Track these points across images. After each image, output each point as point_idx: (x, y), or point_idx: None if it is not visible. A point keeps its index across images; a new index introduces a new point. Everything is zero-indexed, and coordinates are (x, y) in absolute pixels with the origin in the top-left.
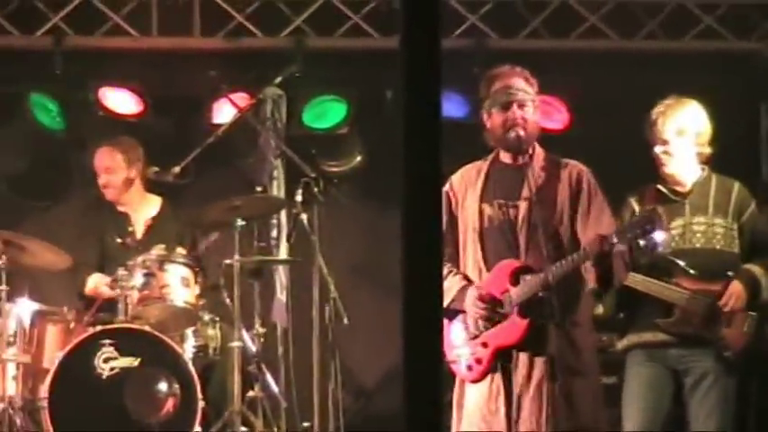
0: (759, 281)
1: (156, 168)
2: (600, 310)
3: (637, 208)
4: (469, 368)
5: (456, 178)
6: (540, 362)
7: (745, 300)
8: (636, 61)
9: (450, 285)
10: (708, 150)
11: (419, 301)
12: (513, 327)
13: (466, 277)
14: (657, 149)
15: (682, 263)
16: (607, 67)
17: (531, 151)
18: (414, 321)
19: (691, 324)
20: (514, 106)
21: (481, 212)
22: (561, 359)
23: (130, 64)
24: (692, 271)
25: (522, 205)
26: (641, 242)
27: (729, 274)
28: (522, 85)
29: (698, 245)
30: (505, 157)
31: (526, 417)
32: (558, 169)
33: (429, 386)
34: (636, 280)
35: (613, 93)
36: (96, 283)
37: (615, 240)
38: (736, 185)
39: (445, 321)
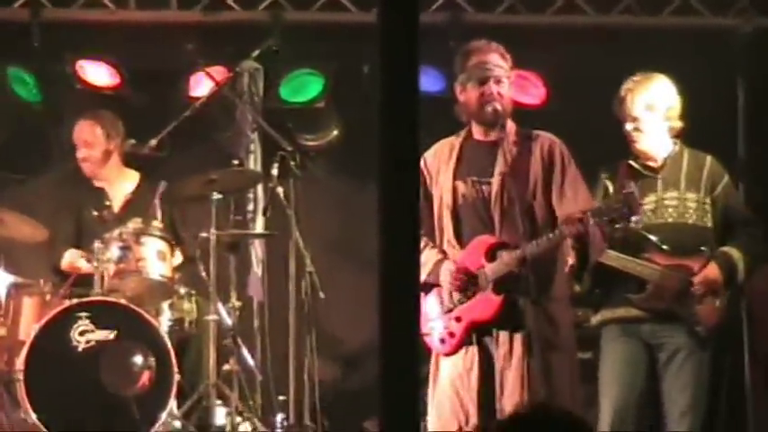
0: (736, 265)
1: (133, 141)
2: (576, 287)
3: (610, 185)
4: (442, 341)
5: (429, 155)
6: (519, 338)
7: (720, 283)
8: (613, 37)
9: (427, 259)
10: (679, 124)
11: (396, 276)
12: (488, 303)
13: (442, 251)
14: (628, 126)
15: (654, 238)
16: (584, 43)
17: (503, 127)
18: (390, 296)
19: (663, 300)
20: (491, 81)
21: (455, 190)
22: (540, 335)
23: (108, 37)
24: (664, 246)
25: (496, 182)
26: (617, 225)
27: (702, 249)
28: (499, 61)
29: (670, 220)
30: (478, 133)
31: (510, 392)
32: (530, 142)
33: (405, 360)
34: (610, 256)
35: (590, 68)
36: (73, 257)
37: (592, 222)
38: (709, 159)
39: (422, 294)
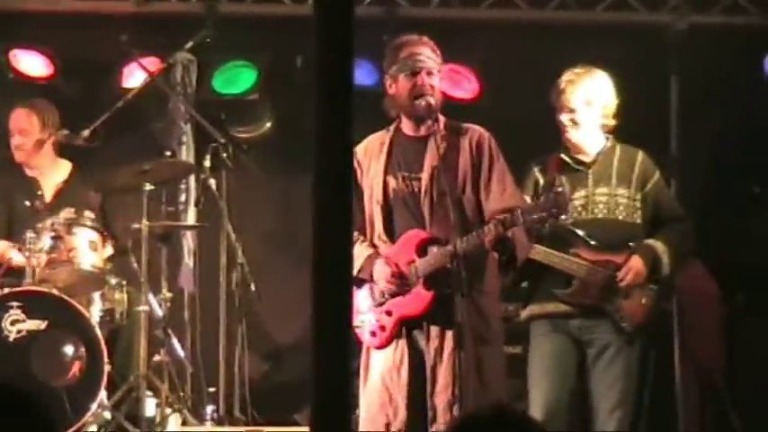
0: (660, 257)
1: (66, 131)
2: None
3: (540, 178)
4: (373, 334)
5: (360, 149)
6: (450, 333)
7: (644, 275)
8: (547, 32)
9: (358, 254)
10: (613, 122)
11: (329, 270)
12: (418, 298)
13: (373, 245)
14: (563, 117)
15: (583, 234)
16: (518, 37)
17: (434, 121)
18: (324, 289)
19: (589, 295)
20: (423, 73)
21: (385, 185)
22: (471, 329)
23: (42, 26)
24: (592, 242)
25: (425, 176)
26: (546, 224)
27: (631, 245)
28: (430, 54)
29: (600, 215)
30: (407, 128)
31: (442, 388)
32: (459, 136)
33: (337, 352)
34: (537, 251)
35: (524, 63)
36: (4, 248)
37: (521, 220)
38: (640, 155)
39: (354, 288)
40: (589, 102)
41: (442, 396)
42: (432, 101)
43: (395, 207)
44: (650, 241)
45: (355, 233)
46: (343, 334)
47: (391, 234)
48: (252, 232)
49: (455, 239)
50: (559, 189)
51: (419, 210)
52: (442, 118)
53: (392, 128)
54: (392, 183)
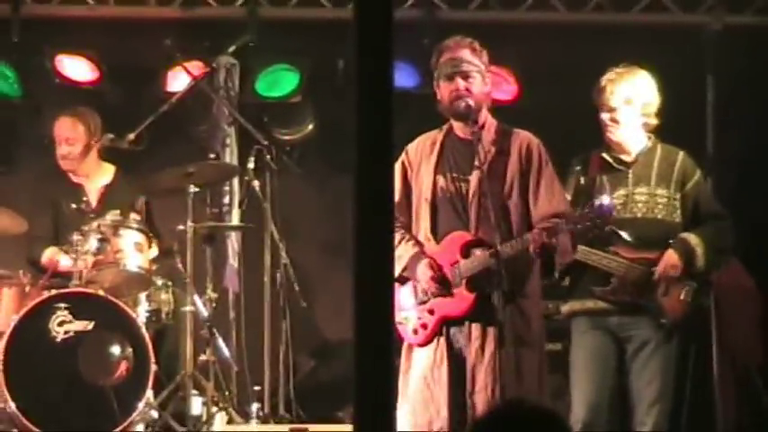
0: (694, 249)
1: (111, 135)
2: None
3: (581, 177)
4: (415, 332)
5: (412, 148)
6: (491, 333)
7: (680, 268)
8: (584, 33)
9: (403, 253)
10: (654, 121)
11: (371, 268)
12: (461, 299)
13: (418, 243)
14: (604, 116)
15: (622, 232)
16: (556, 39)
17: (481, 121)
18: (365, 287)
19: (627, 292)
20: (458, 77)
21: (435, 183)
22: (511, 329)
23: (87, 32)
24: (630, 240)
25: (473, 178)
26: (590, 233)
27: (670, 242)
28: (469, 57)
29: (639, 214)
30: (458, 129)
31: (481, 387)
32: (509, 140)
33: (380, 351)
34: (577, 250)
35: (562, 64)
36: (53, 253)
37: (564, 228)
38: (681, 155)
39: (397, 286)
40: (629, 100)
41: (481, 395)
42: (470, 102)
43: (442, 206)
44: (684, 234)
45: (401, 231)
46: (384, 332)
47: (436, 232)
48: (295, 233)
49: (499, 242)
50: (603, 201)
51: (465, 211)
52: (493, 122)
53: (444, 128)
54: (441, 182)
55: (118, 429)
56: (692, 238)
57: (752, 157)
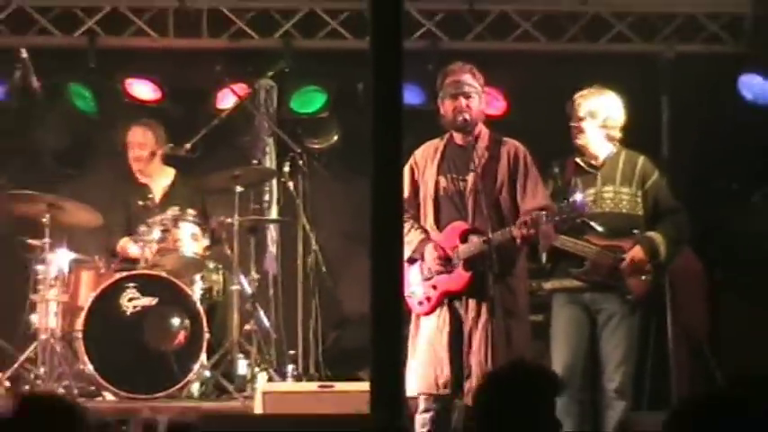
0: (658, 247)
1: (172, 144)
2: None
3: (558, 176)
4: (421, 303)
5: (418, 153)
6: (484, 306)
7: (645, 262)
8: (561, 60)
9: (413, 238)
10: (617, 135)
11: (384, 253)
12: (459, 276)
13: (425, 231)
14: (572, 124)
15: (593, 223)
16: (538, 65)
17: (476, 132)
18: (380, 269)
19: (598, 273)
20: (461, 97)
21: (437, 183)
22: (501, 303)
23: (151, 60)
24: (600, 230)
25: (470, 178)
26: (566, 224)
27: (635, 231)
28: (470, 80)
29: (607, 209)
30: (457, 138)
31: (476, 350)
32: (499, 147)
33: (391, 321)
34: (557, 238)
35: (543, 85)
36: (124, 242)
37: (545, 220)
38: (641, 159)
39: (405, 264)
40: (593, 113)
41: (476, 356)
42: (468, 117)
43: (443, 201)
44: (650, 234)
45: (411, 222)
46: (395, 305)
47: (439, 223)
48: (323, 225)
49: (491, 231)
50: (578, 198)
51: (463, 205)
52: (486, 132)
53: (445, 137)
54: (443, 182)
55: (177, 387)
56: (657, 237)
57: (699, 160)
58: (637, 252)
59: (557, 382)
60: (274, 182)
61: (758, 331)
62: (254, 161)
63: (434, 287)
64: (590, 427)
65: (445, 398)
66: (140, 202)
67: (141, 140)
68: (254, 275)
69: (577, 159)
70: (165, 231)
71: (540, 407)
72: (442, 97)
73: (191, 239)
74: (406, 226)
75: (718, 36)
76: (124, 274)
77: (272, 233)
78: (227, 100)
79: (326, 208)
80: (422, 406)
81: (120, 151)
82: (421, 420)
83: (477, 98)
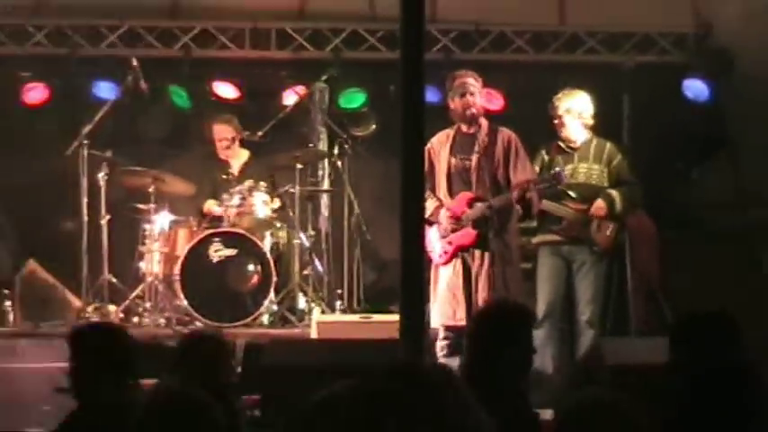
0: (614, 199)
1: (247, 132)
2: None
3: (545, 156)
4: (440, 256)
5: (434, 140)
6: (487, 256)
7: (605, 210)
8: (546, 68)
9: (430, 205)
10: (590, 122)
11: (410, 215)
12: (468, 234)
13: (439, 200)
14: (555, 120)
15: (570, 192)
16: (528, 72)
17: (478, 123)
18: (407, 227)
19: (573, 230)
20: (468, 95)
21: (449, 162)
22: (499, 254)
23: (231, 67)
24: (575, 196)
25: (474, 158)
26: (548, 190)
27: (600, 199)
28: (473, 82)
29: (581, 181)
30: (464, 128)
31: (480, 290)
32: (496, 134)
33: (416, 267)
34: (542, 202)
35: (532, 87)
36: (210, 205)
37: (533, 186)
38: (608, 144)
39: (427, 227)
40: (569, 110)
41: (481, 294)
42: (474, 111)
43: (454, 176)
44: (610, 191)
45: (429, 192)
46: (419, 255)
47: (451, 193)
48: (363, 194)
49: (491, 198)
50: (557, 169)
51: (469, 179)
52: (485, 122)
53: (454, 128)
54: (453, 161)
55: (251, 318)
56: (613, 192)
57: (652, 145)
58: (599, 203)
59: (531, 317)
60: (326, 161)
61: (698, 279)
62: (311, 145)
63: (450, 243)
64: (567, 349)
65: (459, 328)
66: (223, 176)
67: (224, 133)
68: (311, 232)
69: (559, 143)
70: (242, 198)
71: (517, 335)
72: (452, 96)
73: (262, 204)
74: (426, 195)
75: (667, 50)
76: (211, 231)
77: (324, 200)
78: (290, 98)
79: (366, 181)
80: (441, 334)
81: (207, 137)
82: (440, 346)
83: (479, 96)
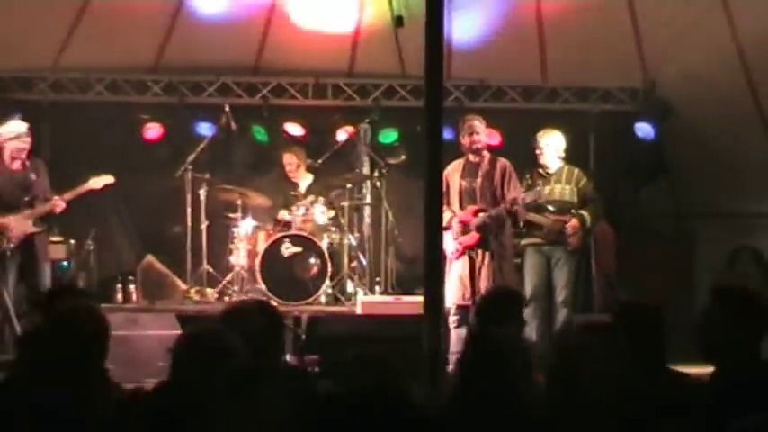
0: (585, 219)
1: (310, 160)
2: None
3: (529, 179)
4: (453, 253)
5: (449, 167)
6: (488, 253)
7: (578, 228)
8: (533, 114)
9: (446, 216)
10: (562, 154)
11: (431, 222)
12: (473, 237)
13: (453, 212)
14: (537, 152)
15: (549, 206)
16: (519, 116)
17: (482, 155)
18: (430, 231)
19: (551, 235)
20: (474, 134)
21: (460, 184)
22: (497, 251)
23: (298, 112)
24: (552, 209)
25: (478, 181)
26: (530, 204)
27: (572, 211)
28: (478, 124)
29: (557, 198)
30: (471, 158)
31: (483, 278)
32: (495, 163)
33: (435, 261)
34: (528, 215)
35: (522, 127)
36: (282, 214)
37: (520, 203)
38: (577, 170)
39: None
40: (548, 146)
41: (483, 283)
42: (479, 146)
43: (464, 194)
44: (581, 211)
45: (445, 205)
46: (437, 251)
47: (461, 207)
48: (395, 206)
49: (491, 210)
50: (537, 189)
51: (475, 196)
52: (487, 154)
53: (464, 158)
54: (463, 183)
55: (312, 298)
56: (584, 213)
57: (611, 171)
58: (574, 221)
59: (521, 298)
60: (368, 182)
61: (644, 272)
62: (357, 170)
63: (460, 243)
64: (547, 324)
65: (466, 306)
66: (292, 193)
67: (292, 161)
68: (357, 235)
69: (540, 170)
70: (306, 210)
71: (511, 311)
72: (462, 134)
73: (321, 214)
74: (444, 209)
75: (623, 101)
76: (283, 233)
77: (366, 211)
78: (342, 135)
79: (397, 197)
80: (453, 311)
81: (280, 164)
82: (452, 320)
83: (483, 135)
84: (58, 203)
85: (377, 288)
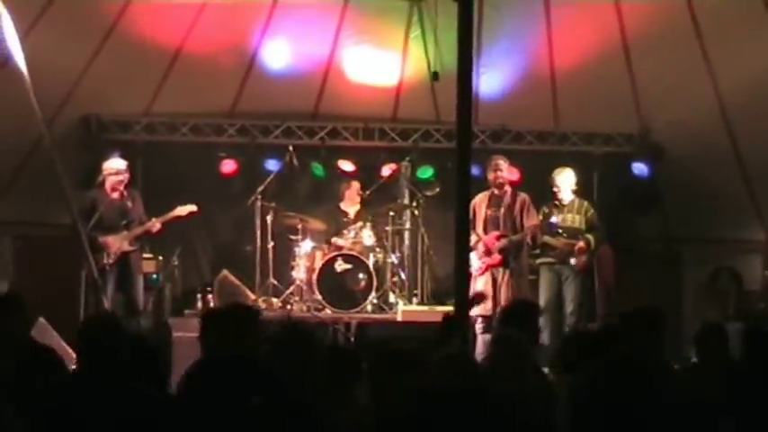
0: (592, 243)
1: (361, 192)
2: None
3: (546, 210)
4: (477, 270)
5: (477, 199)
6: (508, 272)
7: (585, 250)
8: (547, 154)
9: (473, 239)
10: (574, 188)
11: (461, 245)
12: (496, 258)
13: (478, 236)
14: (554, 188)
15: (561, 231)
16: (536, 157)
17: (505, 188)
18: (459, 253)
19: (563, 256)
20: (498, 171)
21: (486, 213)
22: (515, 270)
23: (350, 151)
24: (564, 235)
25: (501, 211)
26: (546, 230)
27: (579, 236)
28: (502, 163)
29: (568, 225)
30: (495, 192)
31: (504, 292)
32: (516, 196)
33: (462, 278)
34: (543, 238)
35: (538, 166)
36: (335, 238)
37: (537, 230)
38: (586, 202)
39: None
40: (562, 182)
41: (504, 295)
42: (502, 181)
43: (489, 222)
44: (588, 236)
45: (473, 231)
46: (465, 270)
47: (486, 232)
48: (431, 231)
49: (511, 236)
50: (553, 220)
51: (498, 223)
52: (509, 188)
53: (489, 191)
54: (488, 212)
55: (360, 307)
56: (590, 237)
57: (612, 203)
58: (581, 246)
59: (537, 309)
60: (408, 211)
61: (639, 288)
62: (399, 200)
63: (484, 263)
64: (558, 332)
65: (489, 316)
66: (344, 219)
67: (348, 191)
68: (398, 255)
69: (555, 202)
70: (356, 233)
71: (528, 320)
72: (488, 171)
73: (368, 237)
74: (472, 234)
75: (621, 143)
76: (336, 253)
77: (406, 235)
78: (386, 171)
79: (432, 224)
80: (479, 321)
81: (335, 195)
82: (478, 327)
83: (506, 172)
84: (155, 225)
85: (414, 299)
